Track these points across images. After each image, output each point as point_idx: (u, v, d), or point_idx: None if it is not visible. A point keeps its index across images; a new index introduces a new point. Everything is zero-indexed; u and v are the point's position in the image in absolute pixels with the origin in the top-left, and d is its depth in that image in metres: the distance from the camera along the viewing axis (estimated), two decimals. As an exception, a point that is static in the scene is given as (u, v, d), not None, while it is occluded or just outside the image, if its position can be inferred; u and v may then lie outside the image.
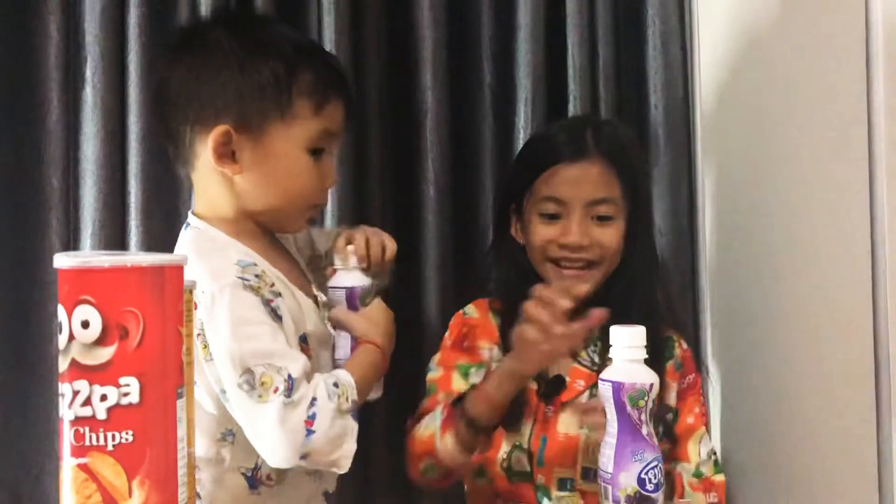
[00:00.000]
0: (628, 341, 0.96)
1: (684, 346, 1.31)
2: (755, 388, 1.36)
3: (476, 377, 1.25)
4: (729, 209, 1.46)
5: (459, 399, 1.15)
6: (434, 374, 1.29)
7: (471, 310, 1.34)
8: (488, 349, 1.29)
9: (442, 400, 1.22)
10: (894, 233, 1.02)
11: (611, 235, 1.25)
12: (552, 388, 1.25)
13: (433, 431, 1.15)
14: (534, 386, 1.24)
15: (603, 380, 0.95)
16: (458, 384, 1.26)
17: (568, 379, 1.25)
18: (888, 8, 1.03)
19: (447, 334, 1.33)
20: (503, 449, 1.24)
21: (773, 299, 1.29)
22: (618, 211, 1.25)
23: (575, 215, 1.24)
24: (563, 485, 1.23)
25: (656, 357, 1.23)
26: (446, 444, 1.12)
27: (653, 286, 1.30)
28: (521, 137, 1.54)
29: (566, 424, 1.23)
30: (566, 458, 1.22)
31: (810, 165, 1.18)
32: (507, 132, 1.56)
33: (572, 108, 1.55)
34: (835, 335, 1.13)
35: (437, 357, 1.31)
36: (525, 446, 1.23)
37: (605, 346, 1.19)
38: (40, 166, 1.42)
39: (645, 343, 0.96)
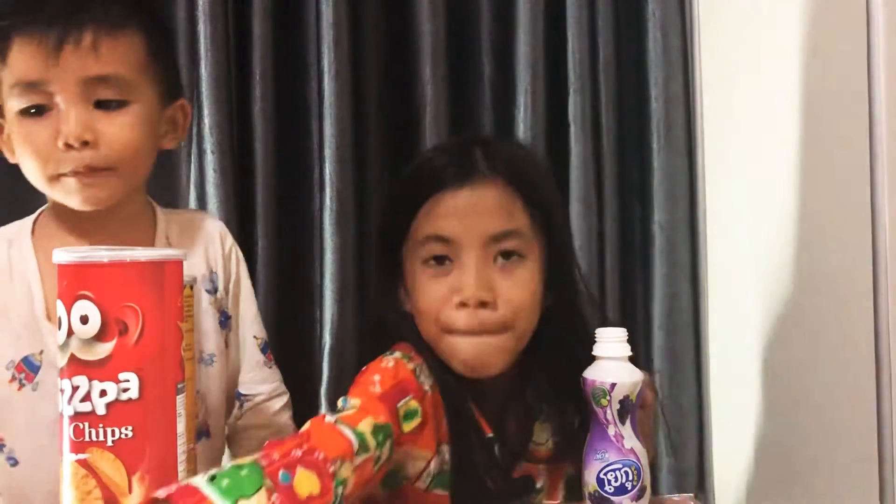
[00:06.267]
0: (604, 337, 0.90)
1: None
2: (756, 383, 1.36)
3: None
4: (729, 202, 1.46)
5: None
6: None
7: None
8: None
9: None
10: (895, 226, 1.02)
11: (521, 285, 0.94)
12: (520, 488, 1.02)
13: None
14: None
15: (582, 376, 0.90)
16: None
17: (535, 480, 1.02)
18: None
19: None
20: None
21: (773, 294, 1.29)
22: (529, 248, 0.96)
23: (469, 258, 0.93)
24: None
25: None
26: None
27: (585, 341, 0.93)
28: (522, 131, 1.54)
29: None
30: None
31: (812, 158, 1.18)
32: (507, 126, 1.55)
33: (572, 102, 1.54)
34: (835, 330, 1.13)
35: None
36: None
37: (555, 427, 1.01)
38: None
39: (623, 340, 0.88)
